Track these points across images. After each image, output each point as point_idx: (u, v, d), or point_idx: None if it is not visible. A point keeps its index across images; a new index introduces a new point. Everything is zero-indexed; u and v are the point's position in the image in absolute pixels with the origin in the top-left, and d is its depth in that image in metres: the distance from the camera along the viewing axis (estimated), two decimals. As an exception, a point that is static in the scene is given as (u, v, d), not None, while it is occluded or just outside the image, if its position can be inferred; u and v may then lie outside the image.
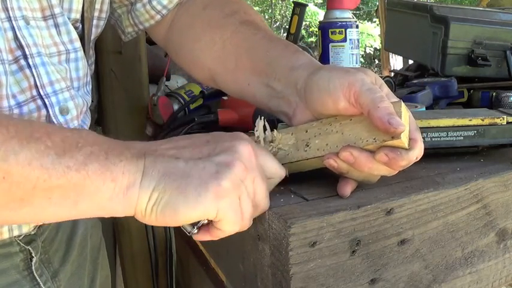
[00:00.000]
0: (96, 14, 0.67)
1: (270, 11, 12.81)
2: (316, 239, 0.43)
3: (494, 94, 0.95)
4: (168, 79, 1.29)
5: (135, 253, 1.28)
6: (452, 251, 0.52)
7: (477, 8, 1.15)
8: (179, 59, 0.75)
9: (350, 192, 0.49)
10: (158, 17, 0.73)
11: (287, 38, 1.35)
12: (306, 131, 0.52)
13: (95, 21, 0.67)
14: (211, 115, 0.92)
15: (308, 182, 0.53)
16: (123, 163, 0.41)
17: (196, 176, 0.41)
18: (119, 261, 1.30)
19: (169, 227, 1.26)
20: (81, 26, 0.64)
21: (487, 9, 1.21)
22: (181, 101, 1.07)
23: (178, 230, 1.20)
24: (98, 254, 0.80)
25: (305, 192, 0.50)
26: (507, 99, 0.93)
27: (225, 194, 0.42)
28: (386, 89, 0.50)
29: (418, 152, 0.47)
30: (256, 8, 12.69)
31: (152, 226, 1.25)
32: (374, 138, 0.46)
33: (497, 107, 0.90)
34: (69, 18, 0.61)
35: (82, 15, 0.63)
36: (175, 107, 1.07)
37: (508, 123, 0.59)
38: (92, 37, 0.68)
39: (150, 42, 1.44)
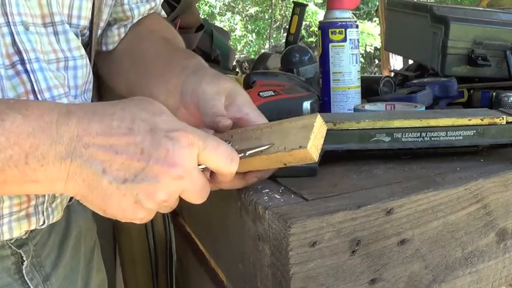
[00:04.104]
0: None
1: (270, 11, 12.79)
2: (316, 239, 0.43)
3: (494, 94, 0.95)
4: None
5: (135, 253, 1.28)
6: (452, 251, 0.52)
7: (477, 8, 1.15)
8: (105, 71, 0.79)
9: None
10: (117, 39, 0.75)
11: (287, 38, 1.36)
12: (232, 136, 0.53)
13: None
14: (211, 115, 0.91)
15: (308, 182, 0.53)
16: (44, 168, 0.42)
17: (115, 202, 0.44)
18: (118, 261, 1.30)
19: (169, 227, 1.26)
20: (88, 32, 0.65)
21: (487, 9, 1.21)
22: (181, 101, 1.07)
23: (178, 230, 1.20)
24: (91, 256, 0.79)
25: (305, 192, 0.50)
26: (507, 99, 0.93)
27: (139, 218, 0.46)
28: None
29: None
30: (256, 8, 12.68)
31: (152, 226, 1.25)
32: (284, 147, 0.46)
33: (497, 107, 0.90)
34: (78, 25, 0.62)
35: (91, 22, 0.64)
36: (175, 107, 1.06)
37: (507, 123, 0.59)
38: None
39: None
